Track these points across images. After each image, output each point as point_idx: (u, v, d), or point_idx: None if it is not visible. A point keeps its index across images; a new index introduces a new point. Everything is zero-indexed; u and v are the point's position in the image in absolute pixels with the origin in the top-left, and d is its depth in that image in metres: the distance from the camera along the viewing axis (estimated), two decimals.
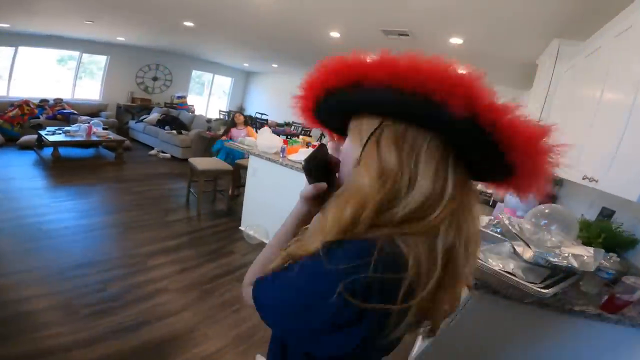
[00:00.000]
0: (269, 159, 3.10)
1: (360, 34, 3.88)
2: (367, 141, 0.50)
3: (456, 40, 3.48)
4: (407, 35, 3.59)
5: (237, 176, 4.31)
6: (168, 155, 6.08)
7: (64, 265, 2.40)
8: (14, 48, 6.31)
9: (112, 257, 2.65)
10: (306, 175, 0.61)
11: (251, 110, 10.27)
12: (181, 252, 2.92)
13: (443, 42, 3.57)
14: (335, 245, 0.46)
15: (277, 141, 3.38)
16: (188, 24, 4.63)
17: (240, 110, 10.86)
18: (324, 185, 0.58)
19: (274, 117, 8.71)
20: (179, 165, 5.72)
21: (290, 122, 8.90)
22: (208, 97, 10.39)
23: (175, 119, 6.75)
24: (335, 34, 4.08)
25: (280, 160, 3.06)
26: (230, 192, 4.12)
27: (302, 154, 3.13)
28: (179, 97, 8.36)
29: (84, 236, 2.87)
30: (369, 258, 0.43)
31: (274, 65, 8.43)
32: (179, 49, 7.79)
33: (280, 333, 0.58)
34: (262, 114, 8.42)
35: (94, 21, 5.10)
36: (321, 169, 0.59)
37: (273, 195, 3.23)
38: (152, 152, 6.18)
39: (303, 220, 0.67)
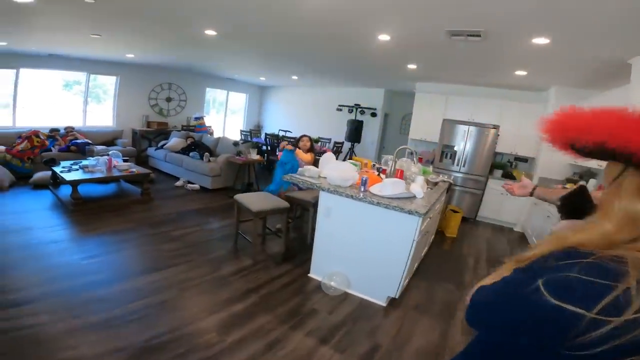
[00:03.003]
0: (350, 196, 2.55)
1: (415, 35, 3.39)
2: (611, 185, 0.61)
3: (541, 40, 2.99)
4: (479, 36, 3.09)
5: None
6: (197, 186, 5.50)
7: (124, 354, 1.83)
8: (14, 70, 5.80)
9: (180, 334, 2.07)
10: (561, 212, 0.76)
11: (271, 128, 9.76)
12: (256, 318, 2.34)
13: (523, 42, 3.09)
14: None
15: (352, 171, 2.84)
16: (210, 32, 4.11)
17: (258, 127, 10.35)
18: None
19: (299, 132, 8.18)
20: (211, 198, 5.14)
21: (317, 138, 8.43)
22: (224, 117, 9.88)
23: (200, 144, 6.21)
24: (384, 37, 3.57)
25: (363, 195, 2.51)
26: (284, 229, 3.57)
27: (388, 186, 2.58)
28: (196, 119, 7.84)
29: (133, 309, 2.27)
30: (579, 260, 0.52)
31: (294, 78, 7.95)
32: (192, 66, 7.28)
33: (485, 331, 0.69)
34: (285, 130, 7.90)
35: (101, 34, 4.57)
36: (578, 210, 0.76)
37: (350, 237, 2.68)
38: (179, 183, 5.61)
39: None
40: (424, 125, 6.30)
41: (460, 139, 5.54)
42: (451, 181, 4.14)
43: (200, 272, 2.90)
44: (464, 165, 5.57)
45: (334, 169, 2.83)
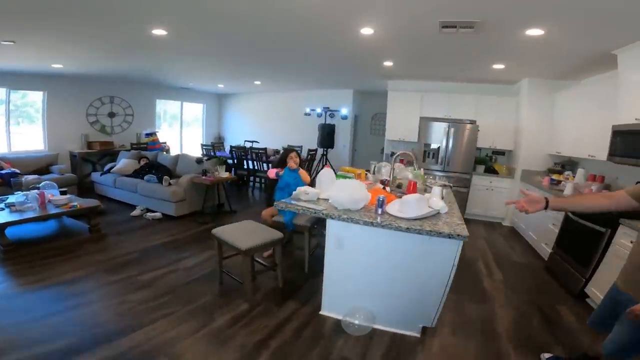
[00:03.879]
0: (370, 223, 2.07)
1: (403, 28, 3.11)
2: None
3: (536, 32, 2.82)
4: (472, 27, 2.84)
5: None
6: (158, 214, 4.68)
7: None
8: None
9: None
10: None
11: (234, 139, 8.99)
12: None
13: (517, 34, 2.94)
14: None
15: (363, 190, 2.37)
16: (159, 32, 3.45)
17: (220, 139, 9.53)
18: None
19: (266, 143, 7.56)
20: (178, 227, 4.38)
21: (287, 146, 7.91)
22: (180, 130, 8.91)
23: (157, 164, 5.37)
24: (367, 30, 3.22)
25: (382, 220, 2.06)
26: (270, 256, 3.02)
27: (411, 204, 2.15)
28: (148, 135, 6.91)
29: None
30: None
31: (256, 83, 7.33)
32: (138, 75, 6.38)
33: None
34: (252, 141, 7.23)
35: (15, 40, 3.71)
36: None
37: (370, 267, 2.23)
38: (135, 212, 4.75)
39: None
40: (400, 125, 6.06)
41: (440, 137, 5.34)
42: (450, 184, 3.85)
43: (190, 326, 2.25)
44: (447, 164, 5.38)
45: (341, 189, 2.34)
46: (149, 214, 4.68)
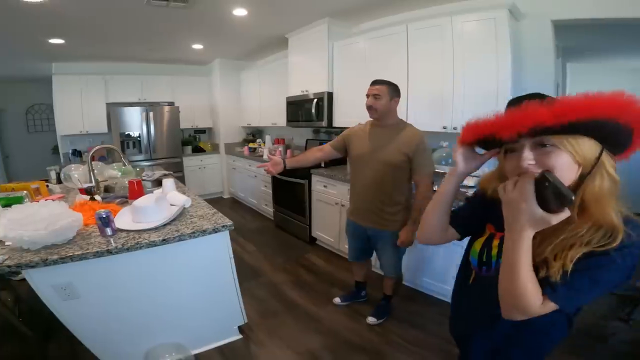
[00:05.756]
0: (100, 254, 1.43)
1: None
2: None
3: (240, 12, 3.02)
4: (185, 2, 2.64)
5: None
6: None
7: None
8: None
9: None
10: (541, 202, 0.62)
11: None
12: None
13: (225, 12, 3.02)
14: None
15: (63, 212, 1.57)
16: None
17: None
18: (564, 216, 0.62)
19: None
20: None
21: None
22: None
23: None
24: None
25: (117, 243, 1.51)
26: None
27: (150, 209, 1.69)
28: None
29: None
30: None
31: None
32: None
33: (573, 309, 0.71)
34: None
35: None
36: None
37: (129, 299, 1.64)
38: None
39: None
40: (77, 116, 4.71)
41: (137, 123, 4.68)
42: (171, 172, 3.47)
43: None
44: (154, 151, 4.86)
45: (23, 222, 1.43)
46: None
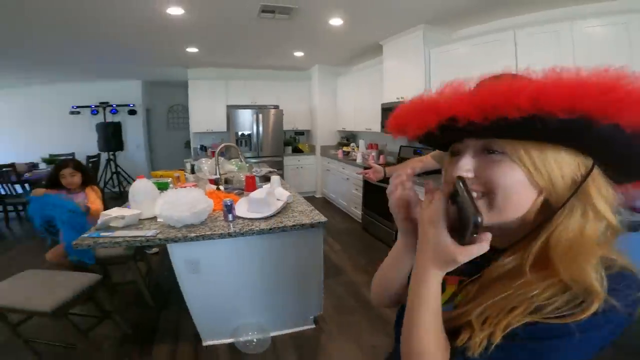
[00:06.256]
0: (223, 236, 1.78)
1: (219, 9, 2.92)
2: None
3: (336, 22, 3.25)
4: (288, 14, 2.99)
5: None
6: None
7: None
8: None
9: None
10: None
11: None
12: None
13: (323, 22, 3.28)
14: None
15: (201, 198, 1.99)
16: None
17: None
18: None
19: (13, 157, 5.17)
20: None
21: (49, 156, 5.82)
22: None
23: None
24: (175, 11, 2.84)
25: (236, 228, 1.83)
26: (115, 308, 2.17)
27: (263, 201, 2.01)
28: None
29: None
30: None
31: None
32: None
33: None
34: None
35: None
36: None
37: (240, 280, 2.00)
38: None
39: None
40: (206, 116, 5.64)
41: (249, 124, 5.37)
42: (275, 170, 3.93)
43: None
44: (261, 150, 5.50)
45: (175, 204, 1.88)
46: None
